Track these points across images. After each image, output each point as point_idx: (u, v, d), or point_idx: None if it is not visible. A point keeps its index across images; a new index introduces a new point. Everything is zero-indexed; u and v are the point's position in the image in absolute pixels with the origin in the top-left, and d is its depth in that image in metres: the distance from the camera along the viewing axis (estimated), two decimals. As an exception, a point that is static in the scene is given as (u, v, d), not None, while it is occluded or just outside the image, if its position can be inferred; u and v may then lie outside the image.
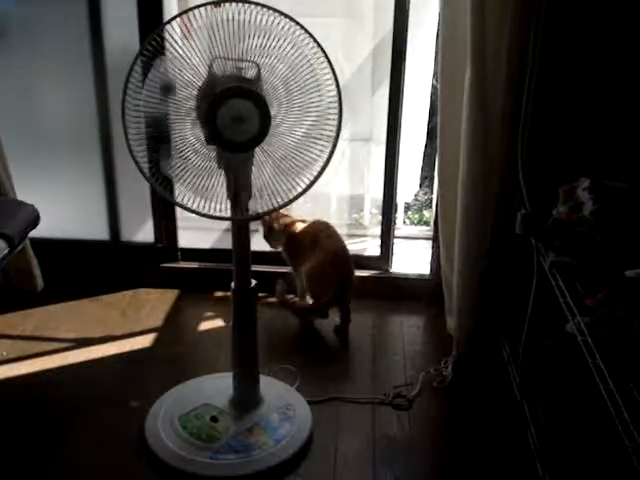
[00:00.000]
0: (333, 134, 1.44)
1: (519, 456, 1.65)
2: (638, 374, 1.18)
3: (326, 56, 1.39)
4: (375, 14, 2.39)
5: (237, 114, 1.37)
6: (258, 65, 1.39)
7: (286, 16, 1.36)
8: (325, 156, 1.46)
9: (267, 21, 1.36)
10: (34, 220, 1.86)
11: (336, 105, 1.42)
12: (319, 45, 1.38)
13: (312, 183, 1.49)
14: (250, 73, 1.40)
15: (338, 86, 1.41)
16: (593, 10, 1.74)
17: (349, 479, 1.61)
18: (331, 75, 1.40)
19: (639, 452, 1.05)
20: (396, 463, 1.66)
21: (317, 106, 1.43)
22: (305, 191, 1.49)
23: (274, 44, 1.37)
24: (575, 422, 1.65)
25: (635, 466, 1.06)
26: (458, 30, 1.81)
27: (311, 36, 1.38)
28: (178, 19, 1.39)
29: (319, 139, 1.45)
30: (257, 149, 1.46)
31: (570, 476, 1.51)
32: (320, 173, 1.47)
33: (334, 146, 1.45)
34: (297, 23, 1.37)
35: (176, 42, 1.38)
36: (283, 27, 1.37)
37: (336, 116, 1.43)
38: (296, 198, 1.50)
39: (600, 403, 1.17)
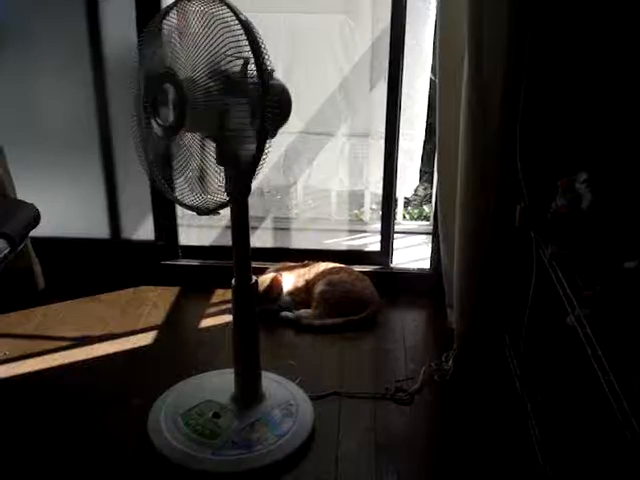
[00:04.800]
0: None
1: (520, 448, 1.66)
2: (638, 365, 1.19)
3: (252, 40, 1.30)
4: (373, 9, 2.40)
5: (168, 99, 1.37)
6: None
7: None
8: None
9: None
10: (35, 219, 1.86)
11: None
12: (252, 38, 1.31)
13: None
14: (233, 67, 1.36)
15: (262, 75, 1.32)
16: (592, 5, 1.74)
17: (351, 474, 1.62)
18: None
19: (639, 442, 1.06)
20: (398, 457, 1.67)
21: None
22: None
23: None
24: (575, 413, 1.65)
25: (635, 456, 1.07)
26: (456, 24, 1.81)
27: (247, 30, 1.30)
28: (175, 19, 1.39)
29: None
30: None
31: (571, 467, 1.52)
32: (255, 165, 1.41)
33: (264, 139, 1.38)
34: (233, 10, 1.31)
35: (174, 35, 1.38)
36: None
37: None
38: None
39: (600, 394, 1.18)
